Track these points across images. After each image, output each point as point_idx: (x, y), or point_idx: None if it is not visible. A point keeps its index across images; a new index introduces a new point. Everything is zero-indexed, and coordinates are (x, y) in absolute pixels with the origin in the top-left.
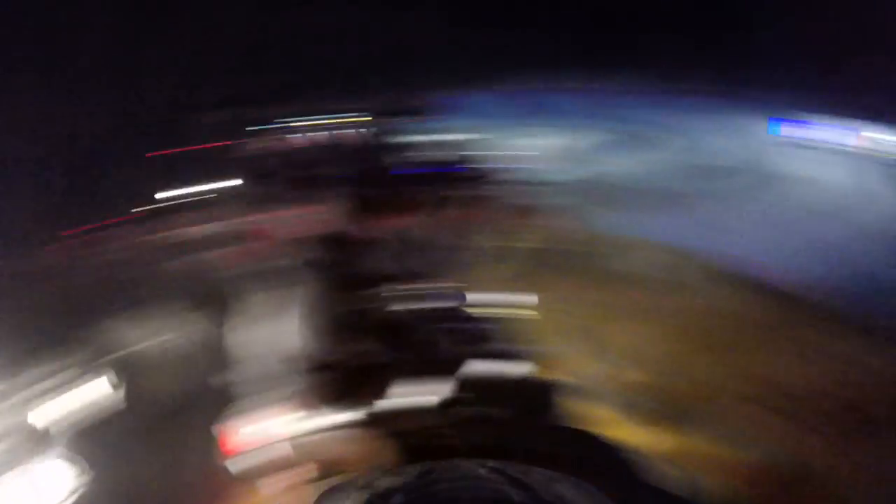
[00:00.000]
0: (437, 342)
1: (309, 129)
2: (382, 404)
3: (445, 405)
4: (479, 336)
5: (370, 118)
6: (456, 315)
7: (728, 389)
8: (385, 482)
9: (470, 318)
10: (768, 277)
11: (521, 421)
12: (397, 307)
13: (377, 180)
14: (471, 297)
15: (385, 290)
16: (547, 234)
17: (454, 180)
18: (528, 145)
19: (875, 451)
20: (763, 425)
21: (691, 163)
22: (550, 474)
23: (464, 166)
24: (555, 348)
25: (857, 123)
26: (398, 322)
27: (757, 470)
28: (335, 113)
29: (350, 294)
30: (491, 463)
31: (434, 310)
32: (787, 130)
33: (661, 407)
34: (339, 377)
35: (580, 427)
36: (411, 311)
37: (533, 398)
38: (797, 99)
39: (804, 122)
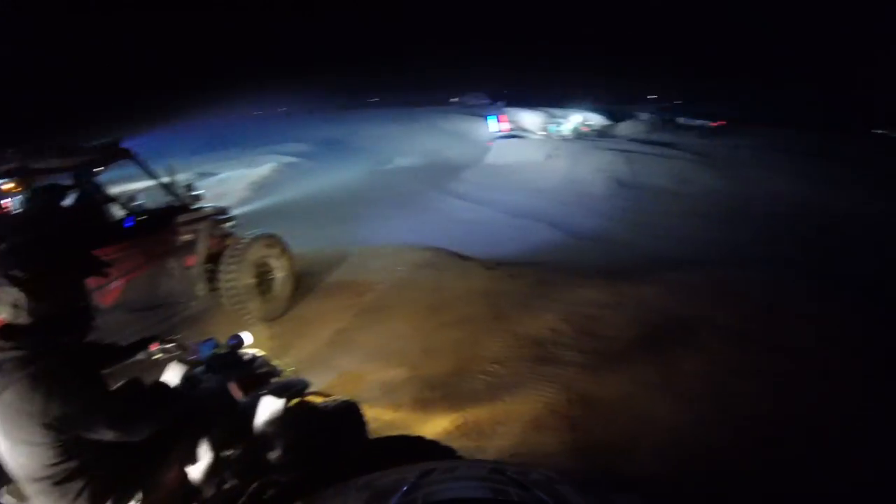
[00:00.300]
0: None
1: None
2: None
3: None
4: (262, 377)
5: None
6: (235, 360)
7: (484, 355)
8: (385, 482)
9: (246, 361)
10: (493, 255)
11: (324, 449)
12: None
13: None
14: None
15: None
16: (271, 262)
17: (159, 227)
18: (225, 178)
19: (633, 374)
20: (527, 375)
21: (402, 167)
22: (550, 474)
23: (163, 210)
24: (317, 367)
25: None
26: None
27: (547, 413)
28: None
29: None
30: (491, 463)
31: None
32: (497, 125)
33: (432, 390)
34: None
35: (382, 435)
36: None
37: (322, 423)
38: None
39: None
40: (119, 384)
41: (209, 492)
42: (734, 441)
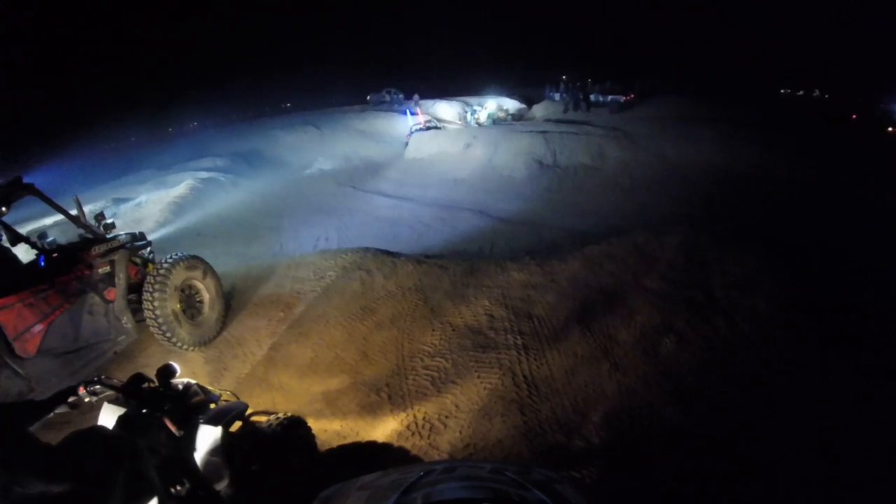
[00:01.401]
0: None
1: None
2: None
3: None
4: (197, 406)
5: None
6: (166, 393)
7: (424, 351)
8: (385, 482)
9: (179, 392)
10: (421, 249)
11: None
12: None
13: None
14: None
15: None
16: (196, 284)
17: (73, 263)
18: (142, 202)
19: (572, 349)
20: (470, 364)
21: (321, 171)
22: (550, 474)
23: (76, 244)
24: (256, 386)
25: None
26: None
27: (494, 399)
28: None
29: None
30: (490, 464)
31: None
32: (414, 119)
33: (377, 393)
34: None
35: (331, 446)
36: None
37: (268, 444)
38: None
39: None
40: (60, 440)
41: None
42: (678, 401)
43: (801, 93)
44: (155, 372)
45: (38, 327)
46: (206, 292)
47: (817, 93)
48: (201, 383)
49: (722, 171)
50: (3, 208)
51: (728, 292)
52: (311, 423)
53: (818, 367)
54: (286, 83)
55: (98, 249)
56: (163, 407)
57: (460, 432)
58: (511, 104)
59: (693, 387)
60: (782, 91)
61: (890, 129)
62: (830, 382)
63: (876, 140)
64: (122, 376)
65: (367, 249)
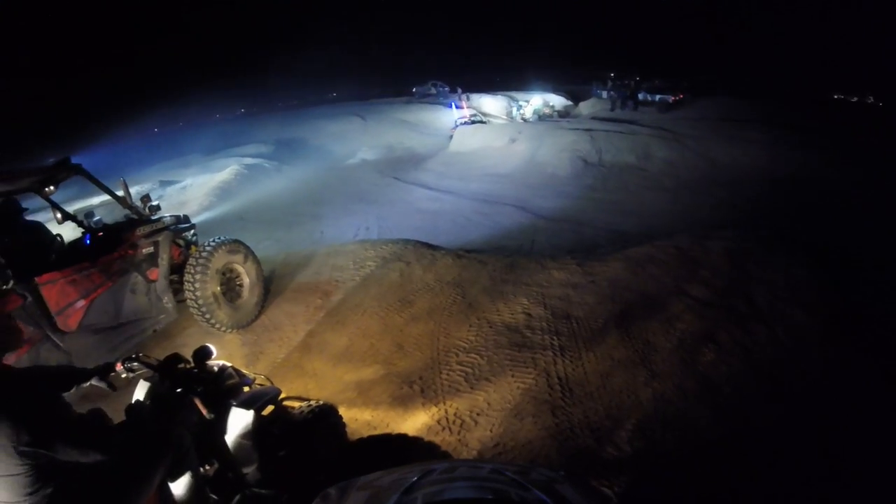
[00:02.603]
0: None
1: None
2: None
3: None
4: (230, 389)
5: None
6: (200, 375)
7: (459, 346)
8: (385, 482)
9: (213, 374)
10: (461, 243)
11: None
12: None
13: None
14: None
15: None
16: (236, 268)
17: (118, 243)
18: (187, 185)
19: (609, 353)
20: (504, 362)
21: (364, 160)
22: (550, 474)
23: (121, 224)
24: (290, 372)
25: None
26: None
27: (527, 399)
28: None
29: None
30: (490, 464)
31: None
32: (459, 112)
33: (409, 386)
34: None
35: (361, 436)
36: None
37: (298, 431)
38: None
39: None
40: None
41: None
42: (713, 412)
43: (854, 99)
44: (192, 353)
45: (81, 303)
46: (247, 276)
47: (871, 99)
48: (237, 366)
49: (770, 175)
50: (52, 187)
51: (770, 302)
52: (342, 411)
53: (857, 384)
54: (331, 73)
55: (142, 230)
56: (196, 388)
57: (490, 430)
58: (557, 100)
59: (729, 399)
60: (836, 96)
61: None
62: (869, 401)
63: None
64: (159, 354)
65: (406, 241)
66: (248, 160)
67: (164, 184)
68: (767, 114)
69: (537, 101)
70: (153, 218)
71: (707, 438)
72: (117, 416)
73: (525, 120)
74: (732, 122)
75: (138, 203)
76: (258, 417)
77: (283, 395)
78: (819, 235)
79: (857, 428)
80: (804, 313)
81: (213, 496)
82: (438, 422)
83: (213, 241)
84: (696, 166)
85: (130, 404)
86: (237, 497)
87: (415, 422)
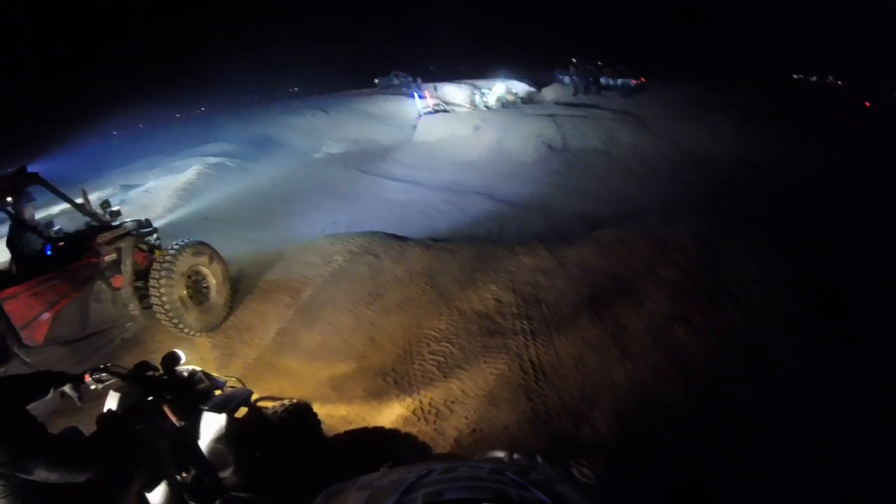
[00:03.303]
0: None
1: None
2: None
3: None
4: (201, 393)
5: None
6: (169, 381)
7: (431, 336)
8: (385, 482)
9: (182, 379)
10: (430, 233)
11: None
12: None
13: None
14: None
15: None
16: (202, 270)
17: (80, 251)
18: (151, 188)
19: (581, 336)
20: (477, 350)
21: (330, 155)
22: (550, 474)
23: (82, 232)
24: (264, 372)
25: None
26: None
27: (501, 385)
28: None
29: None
30: (490, 464)
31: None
32: (423, 102)
33: (383, 378)
34: None
35: (338, 431)
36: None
37: (273, 431)
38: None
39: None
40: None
41: None
42: (686, 390)
43: (814, 79)
44: (160, 359)
45: (46, 316)
46: (213, 278)
47: (831, 79)
48: (209, 369)
49: (734, 156)
50: (10, 199)
51: (740, 281)
52: (317, 408)
53: (827, 359)
54: (291, 67)
55: (104, 237)
56: (165, 396)
57: (466, 418)
58: (520, 87)
59: (702, 377)
60: (795, 76)
61: None
62: (839, 376)
63: (890, 127)
64: (130, 363)
65: (375, 233)
66: (212, 159)
67: (126, 188)
68: (729, 97)
69: (500, 88)
70: (114, 224)
71: (681, 416)
72: (89, 429)
73: (489, 108)
74: (695, 105)
75: (98, 209)
76: (231, 420)
77: (257, 396)
78: (785, 215)
79: (830, 402)
80: (774, 291)
81: (192, 503)
82: (414, 412)
83: (177, 244)
84: (662, 149)
85: (102, 414)
86: (217, 502)
87: (390, 414)
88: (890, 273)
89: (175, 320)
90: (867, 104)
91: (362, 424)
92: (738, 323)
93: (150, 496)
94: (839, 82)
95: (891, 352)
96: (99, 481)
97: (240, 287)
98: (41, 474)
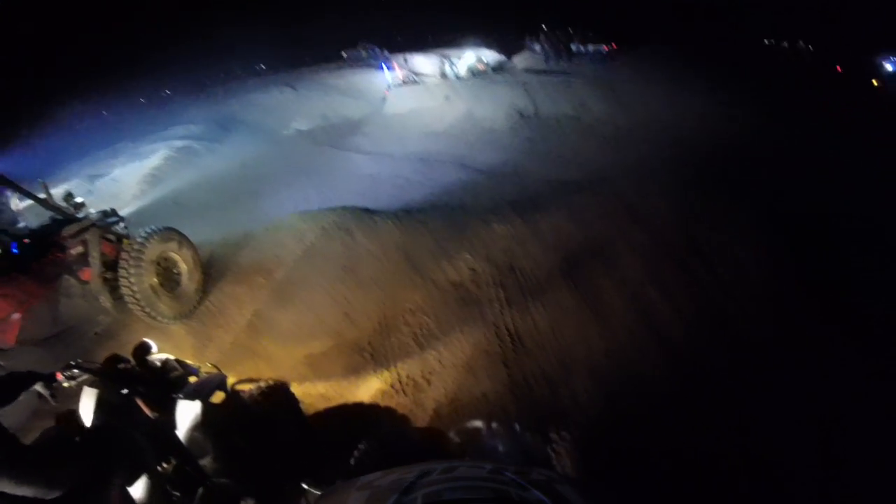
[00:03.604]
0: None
1: None
2: None
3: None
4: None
5: None
6: (141, 373)
7: (407, 308)
8: (385, 482)
9: (155, 369)
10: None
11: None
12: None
13: None
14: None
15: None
16: (172, 256)
17: (46, 248)
18: (118, 176)
19: (557, 302)
20: (453, 321)
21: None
22: (550, 474)
23: (47, 227)
24: (240, 355)
25: None
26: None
27: (478, 354)
28: None
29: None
30: (490, 464)
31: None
32: (392, 74)
33: (360, 354)
34: None
35: (317, 409)
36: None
37: (251, 414)
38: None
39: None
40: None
41: None
42: (661, 351)
43: (785, 44)
44: (131, 350)
45: (16, 316)
46: (184, 263)
47: (801, 44)
48: (185, 356)
49: (704, 121)
50: None
51: (711, 243)
52: (295, 387)
53: (802, 319)
54: (256, 45)
55: (69, 230)
56: (137, 388)
57: (444, 389)
58: (491, 56)
59: (676, 337)
60: (766, 41)
61: (875, 82)
62: (809, 333)
63: (859, 92)
64: (105, 357)
65: (346, 209)
66: (178, 143)
67: (93, 178)
68: (700, 62)
69: (470, 58)
70: (79, 216)
71: (656, 377)
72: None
73: (459, 78)
74: (666, 71)
75: (62, 202)
76: (207, 407)
77: (234, 379)
78: (755, 178)
79: (804, 365)
80: (745, 252)
81: (176, 493)
82: (392, 386)
83: (145, 231)
84: (632, 115)
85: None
86: (200, 491)
87: (368, 389)
88: (858, 230)
89: (147, 309)
90: (838, 69)
91: (341, 401)
92: (709, 282)
93: (131, 490)
94: (810, 47)
95: (860, 306)
96: (78, 483)
97: (212, 271)
98: (9, 487)
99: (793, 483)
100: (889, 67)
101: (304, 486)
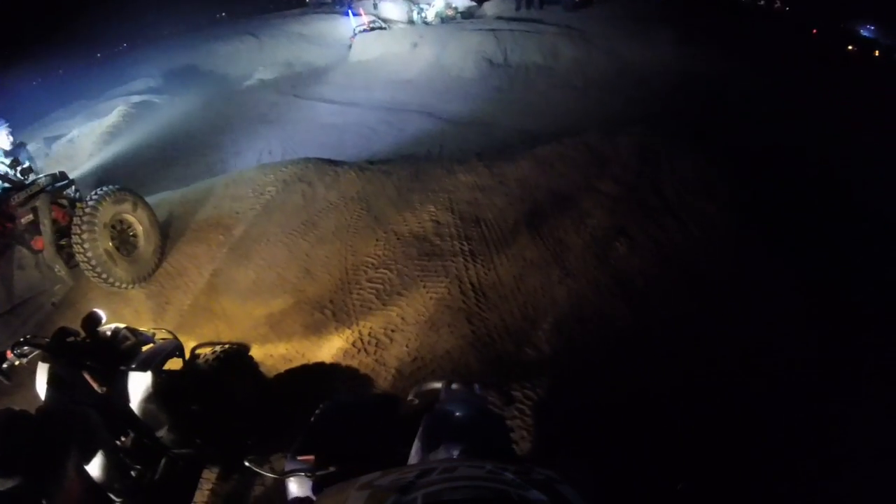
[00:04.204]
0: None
1: None
2: None
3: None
4: (125, 352)
5: None
6: (91, 345)
7: (368, 262)
8: (385, 482)
9: (106, 340)
10: (366, 155)
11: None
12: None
13: None
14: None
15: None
16: (127, 218)
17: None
18: (75, 136)
19: (521, 254)
20: (415, 274)
21: (262, 80)
22: (550, 474)
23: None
24: (199, 316)
25: None
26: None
27: (441, 309)
28: None
29: None
30: (490, 463)
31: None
32: (357, 20)
33: (322, 311)
34: None
35: (278, 371)
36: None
37: (208, 381)
38: None
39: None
40: None
41: (117, 485)
42: (628, 305)
43: (761, 2)
44: (80, 322)
45: None
46: (139, 224)
47: (778, 4)
48: (144, 321)
49: (678, 72)
50: None
51: (680, 195)
52: (255, 349)
53: (767, 273)
54: None
55: (17, 198)
56: (84, 362)
57: (407, 346)
58: (460, 2)
59: (643, 291)
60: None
61: (850, 47)
62: (781, 289)
63: (832, 56)
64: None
65: (307, 160)
66: (136, 98)
67: (49, 140)
68: (674, 14)
69: (440, 3)
70: (27, 182)
71: (623, 332)
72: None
73: (427, 24)
74: (640, 20)
75: (7, 169)
76: (158, 377)
77: (195, 343)
78: (724, 130)
79: (766, 316)
80: (714, 206)
81: (137, 466)
82: (353, 344)
83: (96, 193)
84: (605, 64)
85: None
86: (162, 462)
87: (330, 348)
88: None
89: (104, 275)
90: (814, 31)
91: (302, 361)
92: (677, 235)
93: (88, 468)
94: (787, 8)
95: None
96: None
97: (170, 230)
98: None
99: (753, 424)
100: (864, 34)
101: (247, 463)
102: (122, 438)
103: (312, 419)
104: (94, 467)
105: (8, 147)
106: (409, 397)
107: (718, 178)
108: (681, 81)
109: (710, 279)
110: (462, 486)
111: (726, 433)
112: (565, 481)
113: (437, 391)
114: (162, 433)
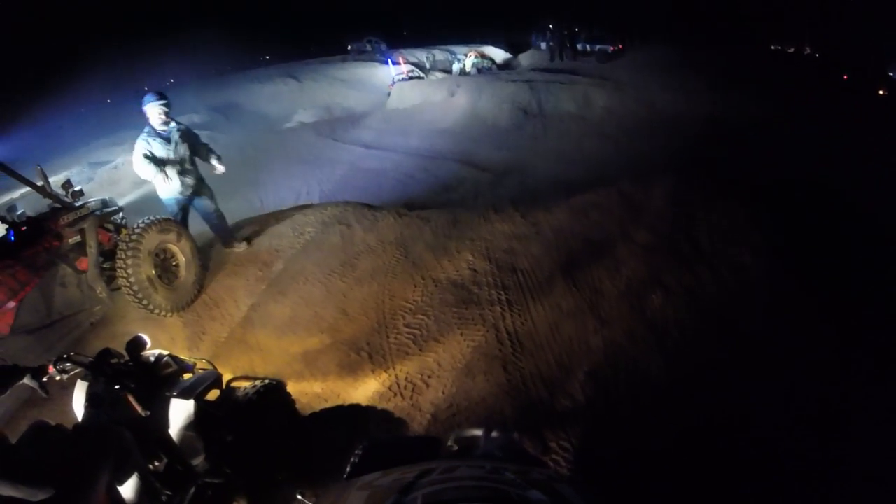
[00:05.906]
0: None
1: None
2: None
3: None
4: (167, 378)
5: None
6: (134, 368)
7: (405, 307)
8: (385, 482)
9: (149, 365)
10: (403, 200)
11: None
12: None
13: None
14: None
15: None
16: (170, 247)
17: (41, 235)
18: (120, 163)
19: (557, 303)
20: (452, 321)
21: (302, 123)
22: (550, 474)
23: (44, 215)
24: (235, 349)
25: None
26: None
27: (477, 356)
28: None
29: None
30: (491, 464)
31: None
32: (396, 68)
33: (357, 353)
34: None
35: (313, 410)
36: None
37: (245, 413)
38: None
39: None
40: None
41: None
42: (663, 356)
43: (791, 50)
44: (125, 345)
45: (11, 304)
46: (182, 255)
47: (808, 50)
48: (180, 349)
49: (711, 120)
50: None
51: (714, 244)
52: (290, 385)
53: (803, 320)
54: (261, 35)
55: (66, 218)
56: (128, 384)
57: (443, 392)
58: (496, 52)
59: (678, 341)
60: (773, 47)
61: (881, 91)
62: (817, 336)
63: (865, 99)
64: (100, 347)
65: (346, 203)
66: None
67: (94, 165)
68: (706, 62)
69: (476, 54)
70: (77, 204)
71: (658, 382)
72: (60, 419)
73: (464, 73)
74: (671, 70)
75: (60, 190)
76: (199, 406)
77: (230, 376)
78: (761, 179)
79: (807, 361)
80: (748, 253)
81: (167, 492)
82: (389, 388)
83: (143, 221)
84: (638, 113)
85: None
86: (191, 490)
87: (366, 389)
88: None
89: (144, 301)
90: (844, 77)
91: (337, 402)
92: (713, 286)
93: (121, 489)
94: (816, 55)
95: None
96: (66, 482)
97: (210, 262)
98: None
99: (791, 482)
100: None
101: (299, 496)
102: (156, 463)
103: (353, 458)
104: (126, 488)
105: (159, 125)
106: (449, 443)
107: (753, 225)
108: (712, 128)
109: (744, 330)
110: (462, 486)
111: (756, 484)
112: (565, 481)
113: (476, 438)
114: (196, 462)
